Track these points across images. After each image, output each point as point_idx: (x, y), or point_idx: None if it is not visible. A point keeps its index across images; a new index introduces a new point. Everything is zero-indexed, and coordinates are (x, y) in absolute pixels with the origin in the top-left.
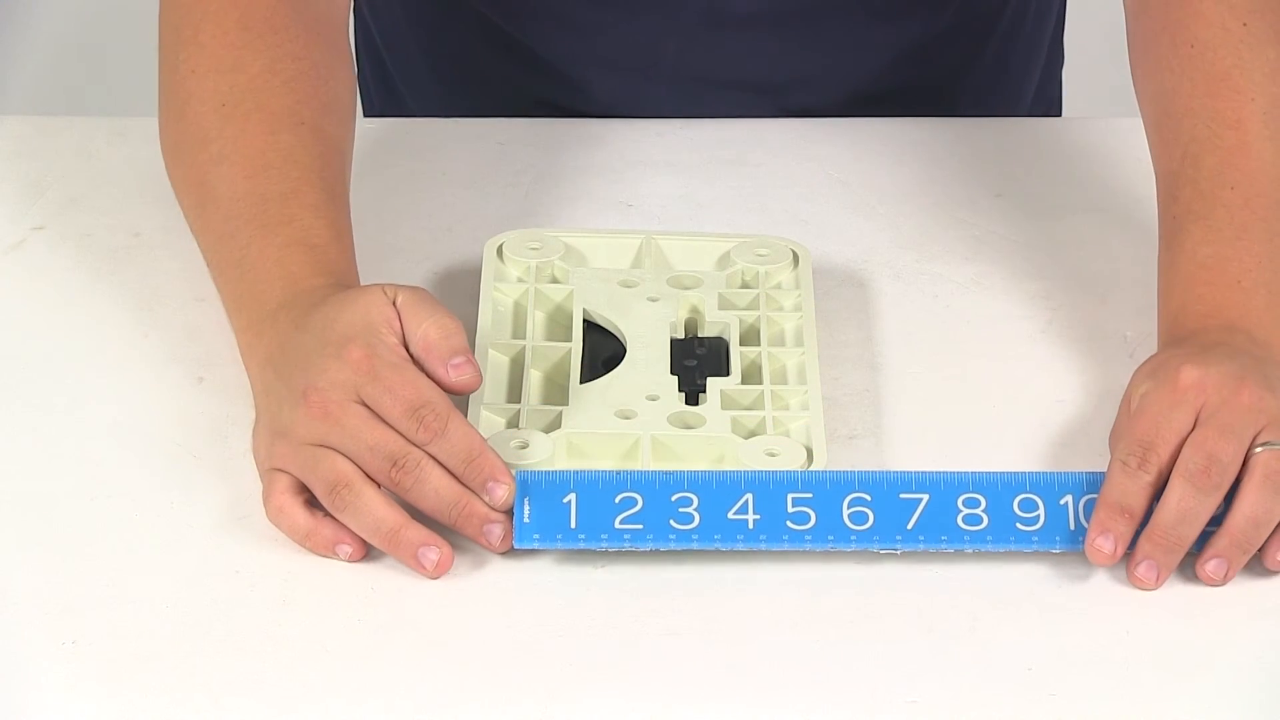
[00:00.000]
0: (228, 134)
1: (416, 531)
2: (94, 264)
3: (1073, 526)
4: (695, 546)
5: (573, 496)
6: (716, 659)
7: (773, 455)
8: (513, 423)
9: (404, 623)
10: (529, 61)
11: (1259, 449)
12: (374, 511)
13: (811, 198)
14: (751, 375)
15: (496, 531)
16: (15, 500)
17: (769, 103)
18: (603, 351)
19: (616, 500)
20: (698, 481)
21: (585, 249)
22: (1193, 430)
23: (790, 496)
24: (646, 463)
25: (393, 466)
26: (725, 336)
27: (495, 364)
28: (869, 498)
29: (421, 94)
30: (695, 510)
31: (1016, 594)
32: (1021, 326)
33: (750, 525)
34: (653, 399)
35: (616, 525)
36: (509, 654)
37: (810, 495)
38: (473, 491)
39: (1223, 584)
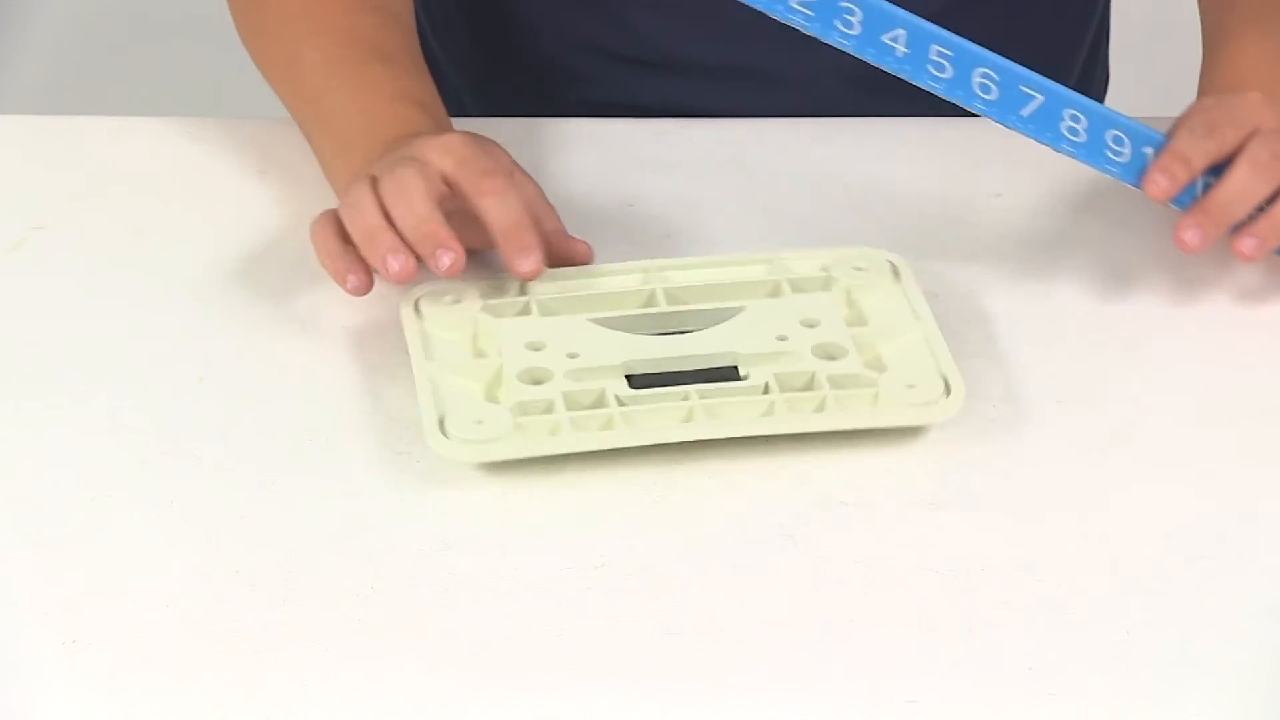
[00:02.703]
0: (314, 13)
1: (392, 237)
2: (94, 264)
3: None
4: (851, 50)
5: None
6: (717, 658)
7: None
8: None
9: (404, 623)
10: (578, 2)
11: None
12: (370, 207)
13: (811, 198)
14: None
15: (445, 260)
16: (15, 500)
17: (805, 43)
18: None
19: None
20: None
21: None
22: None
23: (934, 47)
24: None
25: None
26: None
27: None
28: (997, 78)
29: (458, 50)
30: (858, 22)
31: (1016, 594)
32: (1022, 326)
33: (899, 54)
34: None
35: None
36: (509, 654)
37: (951, 54)
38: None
39: (1250, 260)
